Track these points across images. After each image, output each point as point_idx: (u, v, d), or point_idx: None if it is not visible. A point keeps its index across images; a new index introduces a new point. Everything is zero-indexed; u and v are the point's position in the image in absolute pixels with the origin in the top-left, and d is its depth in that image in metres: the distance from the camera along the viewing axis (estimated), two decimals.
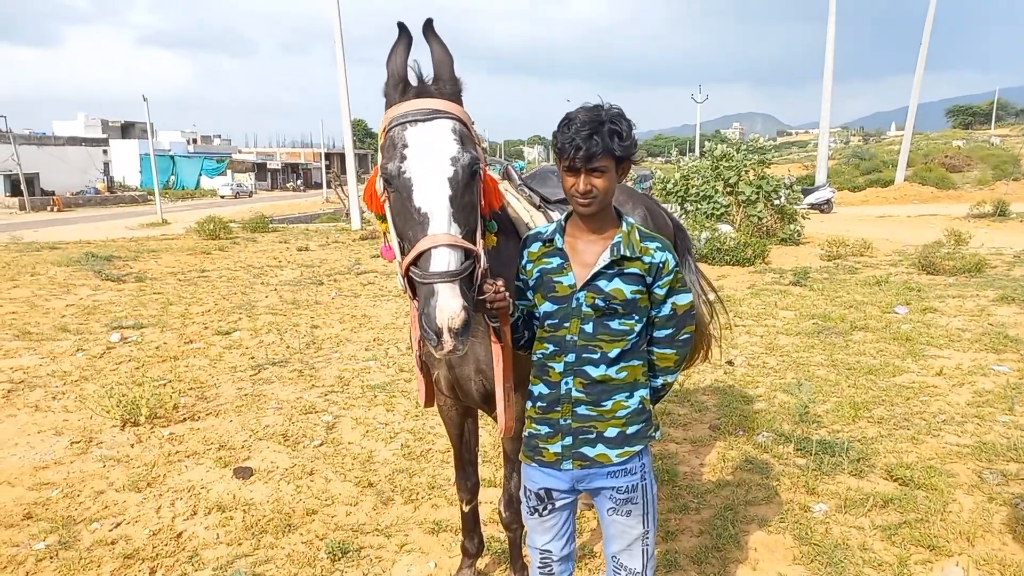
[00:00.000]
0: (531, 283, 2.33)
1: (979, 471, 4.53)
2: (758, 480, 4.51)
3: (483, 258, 2.20)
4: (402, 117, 2.16)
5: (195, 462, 4.95)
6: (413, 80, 2.23)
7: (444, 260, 2.02)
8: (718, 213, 15.99)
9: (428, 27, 2.21)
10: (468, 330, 2.02)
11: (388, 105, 2.24)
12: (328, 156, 69.29)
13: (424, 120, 2.14)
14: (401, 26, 2.22)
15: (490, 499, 4.18)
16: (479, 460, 3.45)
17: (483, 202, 2.31)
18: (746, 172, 16.43)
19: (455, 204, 2.10)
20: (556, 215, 3.04)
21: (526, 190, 3.04)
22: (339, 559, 3.72)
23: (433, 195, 2.09)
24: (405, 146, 2.13)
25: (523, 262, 2.36)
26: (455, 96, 2.24)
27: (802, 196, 19.29)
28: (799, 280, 11.18)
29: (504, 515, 3.04)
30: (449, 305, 1.98)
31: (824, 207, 27.63)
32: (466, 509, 3.29)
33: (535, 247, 2.33)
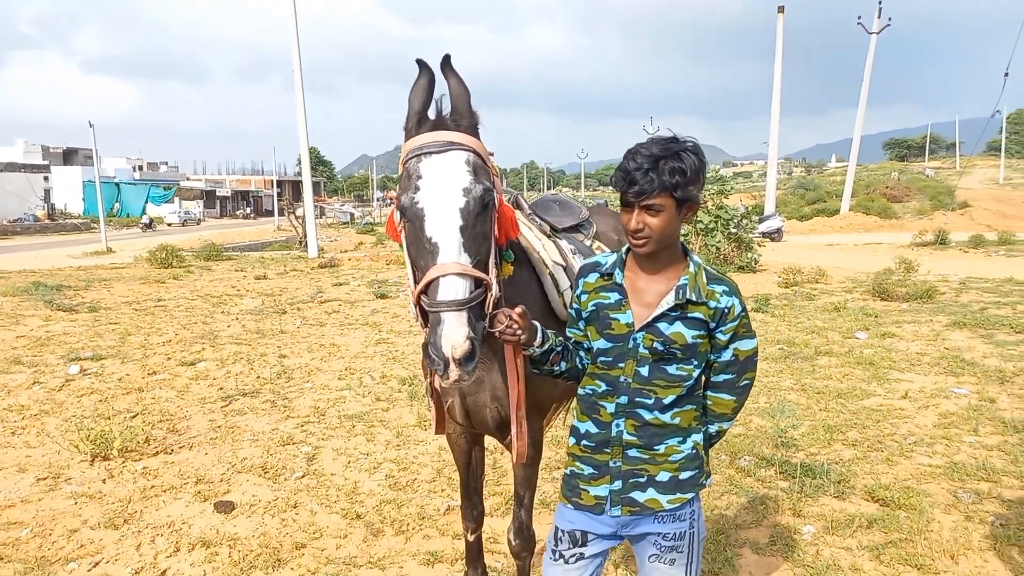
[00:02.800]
0: (585, 315, 2.21)
1: (953, 491, 4.68)
2: (745, 503, 4.57)
3: (495, 288, 2.20)
4: (418, 149, 2.20)
5: (173, 496, 4.79)
6: (432, 114, 2.27)
7: (452, 289, 2.03)
8: None
9: (446, 63, 2.27)
10: (474, 360, 2.01)
11: (407, 138, 2.28)
12: (280, 183, 68.49)
13: (438, 152, 2.18)
14: (421, 63, 2.28)
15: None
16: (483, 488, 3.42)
17: (498, 232, 2.33)
18: (704, 202, 16.81)
19: (466, 234, 2.12)
20: (565, 244, 3.08)
21: (536, 219, 3.07)
22: None
23: (444, 225, 2.11)
24: (419, 177, 2.17)
25: (578, 291, 2.24)
26: (471, 129, 2.28)
27: (757, 225, 19.81)
28: (761, 307, 11.43)
29: (514, 543, 3.01)
30: (454, 334, 1.98)
31: (775, 236, 28.42)
32: (471, 538, 3.25)
33: (592, 278, 2.20)
